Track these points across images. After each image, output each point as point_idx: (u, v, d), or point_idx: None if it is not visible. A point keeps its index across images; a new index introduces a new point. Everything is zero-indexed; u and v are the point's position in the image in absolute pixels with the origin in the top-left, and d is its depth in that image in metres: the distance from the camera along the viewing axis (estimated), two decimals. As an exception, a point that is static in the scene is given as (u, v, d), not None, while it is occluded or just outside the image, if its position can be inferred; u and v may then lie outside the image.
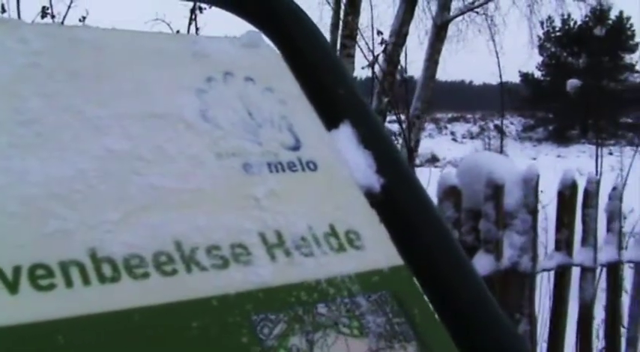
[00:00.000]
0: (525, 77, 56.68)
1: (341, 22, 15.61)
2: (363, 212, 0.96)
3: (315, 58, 1.09)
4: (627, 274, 3.51)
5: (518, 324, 2.37)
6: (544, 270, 2.60)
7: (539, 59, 59.26)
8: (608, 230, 2.95)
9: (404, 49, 15.15)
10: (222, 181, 0.87)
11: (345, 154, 1.00)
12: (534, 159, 36.17)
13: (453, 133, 57.27)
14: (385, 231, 0.97)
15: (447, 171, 2.22)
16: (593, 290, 2.84)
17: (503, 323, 0.98)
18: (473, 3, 19.21)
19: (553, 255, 2.65)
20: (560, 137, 52.84)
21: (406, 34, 16.18)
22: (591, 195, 2.78)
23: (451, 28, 19.09)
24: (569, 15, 25.90)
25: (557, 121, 58.01)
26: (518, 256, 2.33)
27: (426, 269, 0.99)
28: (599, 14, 52.51)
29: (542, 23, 46.57)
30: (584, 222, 2.79)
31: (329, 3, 16.88)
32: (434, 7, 18.67)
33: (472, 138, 52.37)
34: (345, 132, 1.02)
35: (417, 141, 17.26)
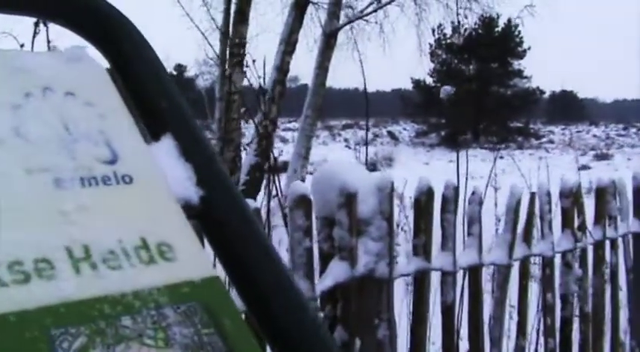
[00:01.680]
0: (417, 84, 57.54)
1: (230, 31, 15.61)
2: (178, 224, 0.96)
3: (139, 70, 1.09)
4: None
5: (377, 329, 2.41)
6: (402, 275, 2.64)
7: (431, 66, 60.22)
8: (469, 234, 3.01)
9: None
10: (31, 197, 0.86)
11: (164, 167, 1.00)
12: (427, 164, 36.79)
13: (346, 140, 57.55)
14: (199, 242, 0.97)
15: (297, 181, 2.25)
16: (454, 293, 2.90)
17: (322, 337, 1.00)
18: (362, 11, 19.34)
19: (411, 260, 2.71)
20: (453, 142, 53.62)
21: (295, 42, 16.24)
22: (448, 201, 2.85)
23: (341, 36, 19.19)
24: (459, 22, 26.25)
25: (449, 127, 58.92)
26: (374, 262, 2.36)
27: (245, 279, 1.00)
28: (487, 22, 53.71)
29: (433, 31, 47.38)
30: (442, 227, 2.85)
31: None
32: (323, 16, 18.75)
33: (365, 144, 52.77)
34: (166, 145, 1.02)
35: (308, 149, 17.34)
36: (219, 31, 15.33)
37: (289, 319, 0.98)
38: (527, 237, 3.35)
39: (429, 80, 60.20)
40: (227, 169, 15.22)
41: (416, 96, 58.54)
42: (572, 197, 3.68)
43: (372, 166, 34.37)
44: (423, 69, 62.49)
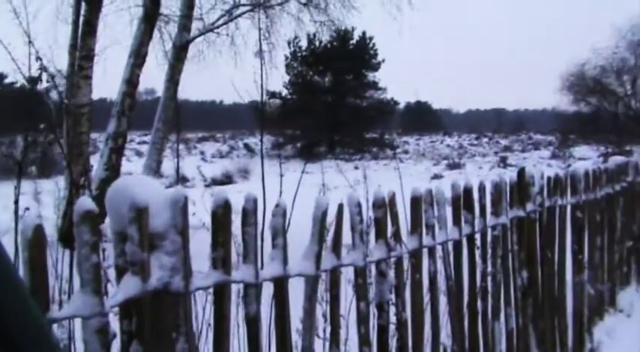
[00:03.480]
0: (272, 96, 57.58)
1: (79, 43, 15.34)
2: None
3: None
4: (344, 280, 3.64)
5: (175, 343, 2.41)
6: (200, 289, 2.64)
7: (287, 78, 60.43)
8: (273, 246, 3.04)
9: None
10: None
11: None
12: (282, 175, 36.74)
13: (202, 153, 57.46)
14: None
15: (84, 197, 2.23)
16: (258, 305, 2.92)
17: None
18: (213, 24, 19.29)
19: (210, 274, 2.72)
20: (309, 153, 54.04)
21: (145, 55, 16.06)
22: (249, 214, 2.87)
23: (192, 49, 19.08)
24: (314, 35, 26.47)
25: (305, 138, 59.29)
26: (169, 276, 2.36)
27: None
28: (342, 35, 54.32)
29: (288, 43, 47.60)
30: (244, 239, 2.87)
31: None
32: (174, 28, 18.63)
33: (222, 157, 52.82)
34: None
35: (159, 162, 17.18)
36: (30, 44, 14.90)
37: (22, 334, 0.99)
38: (336, 248, 3.40)
39: (285, 92, 60.62)
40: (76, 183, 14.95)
41: (271, 109, 58.64)
42: (384, 207, 3.75)
43: (227, 179, 34.32)
44: (277, 81, 62.59)
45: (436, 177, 36.25)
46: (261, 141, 3.89)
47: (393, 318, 3.90)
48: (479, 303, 4.89)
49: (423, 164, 49.60)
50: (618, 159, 9.29)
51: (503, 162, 46.78)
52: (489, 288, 5.05)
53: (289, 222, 3.24)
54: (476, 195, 4.84)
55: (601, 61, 46.68)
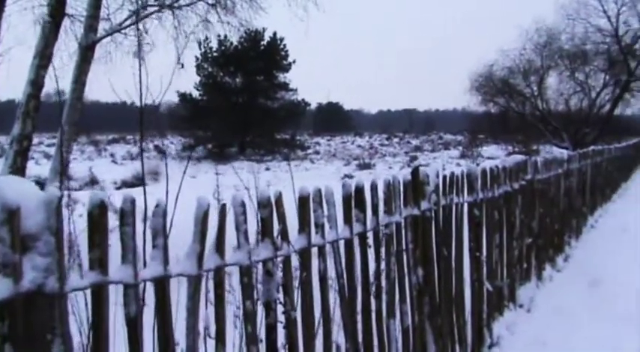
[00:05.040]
0: (183, 97, 57.30)
1: (-21, 45, 15.05)
2: None
3: None
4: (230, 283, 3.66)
5: (51, 345, 2.41)
6: (76, 290, 2.65)
7: (197, 79, 60.20)
8: (154, 246, 3.05)
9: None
10: None
11: None
12: (194, 177, 36.69)
13: (112, 155, 56.90)
14: None
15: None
16: (137, 306, 2.93)
17: None
18: (120, 24, 19.09)
19: (86, 274, 2.72)
20: (220, 155, 53.95)
21: (51, 56, 15.80)
22: (127, 214, 2.88)
23: (99, 50, 18.86)
24: (225, 36, 26.33)
25: (215, 139, 59.12)
26: (43, 278, 2.37)
27: None
28: (253, 36, 54.25)
29: (199, 43, 47.37)
30: (122, 240, 2.88)
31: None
32: (80, 29, 18.40)
33: (132, 159, 52.38)
34: None
35: (67, 164, 16.95)
36: None
37: None
38: (219, 248, 3.43)
39: (196, 93, 60.38)
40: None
41: (182, 110, 58.39)
42: (270, 207, 3.79)
43: (138, 181, 34.02)
44: (186, 82, 62.36)
45: (347, 177, 36.52)
46: (141, 149, 3.87)
47: (282, 317, 3.94)
48: (373, 301, 4.95)
49: (334, 164, 49.93)
50: (518, 157, 9.46)
51: (414, 162, 47.38)
52: (384, 286, 5.12)
53: (171, 223, 3.27)
54: (368, 194, 4.90)
55: (509, 62, 47.55)
